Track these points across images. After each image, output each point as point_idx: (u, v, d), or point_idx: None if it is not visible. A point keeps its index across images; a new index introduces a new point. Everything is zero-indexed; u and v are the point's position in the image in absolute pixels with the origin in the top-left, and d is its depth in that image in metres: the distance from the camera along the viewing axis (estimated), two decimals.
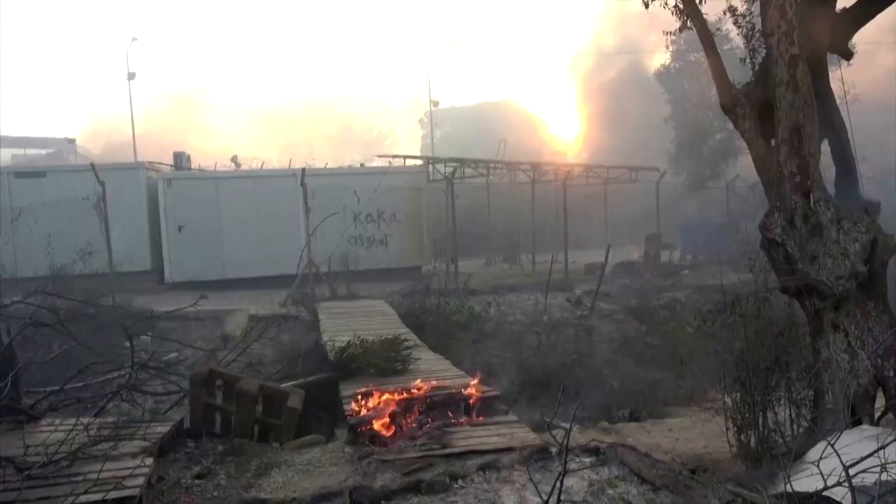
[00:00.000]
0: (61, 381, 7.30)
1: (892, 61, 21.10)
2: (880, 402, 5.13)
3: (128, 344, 8.10)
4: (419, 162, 21.96)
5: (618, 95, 38.65)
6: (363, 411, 6.38)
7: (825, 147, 5.77)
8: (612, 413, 9.29)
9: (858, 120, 7.54)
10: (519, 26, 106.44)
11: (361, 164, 27.81)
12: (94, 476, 4.60)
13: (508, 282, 17.22)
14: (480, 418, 6.44)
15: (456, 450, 5.47)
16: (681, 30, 6.74)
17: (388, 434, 6.05)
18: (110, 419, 6.17)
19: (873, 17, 5.80)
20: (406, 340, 8.83)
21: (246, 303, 14.24)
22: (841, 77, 6.89)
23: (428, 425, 6.17)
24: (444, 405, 6.57)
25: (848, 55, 6.29)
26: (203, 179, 18.79)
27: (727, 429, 5.38)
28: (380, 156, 24.96)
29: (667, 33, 7.33)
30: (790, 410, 5.28)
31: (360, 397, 6.72)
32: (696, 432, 6.70)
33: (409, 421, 6.27)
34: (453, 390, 6.84)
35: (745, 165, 18.51)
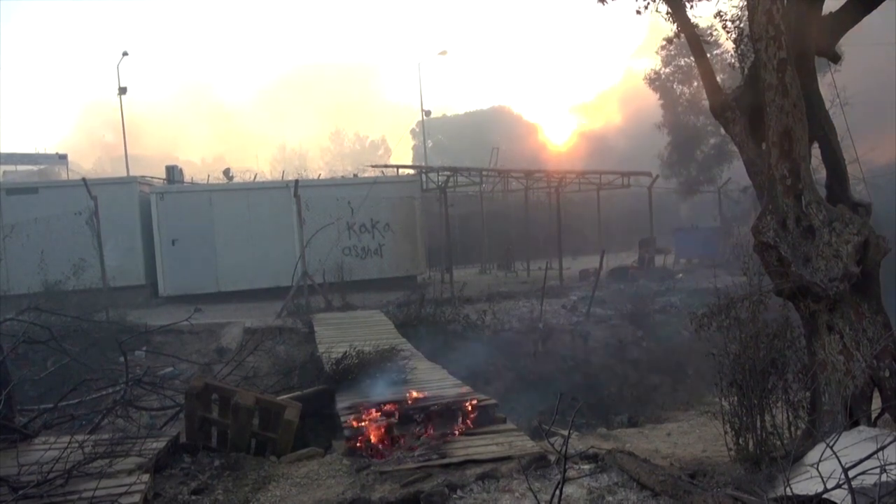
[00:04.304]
0: (55, 398, 7.25)
1: (884, 62, 21.26)
2: (877, 403, 5.14)
3: (122, 359, 8.04)
4: (412, 171, 22.00)
5: (612, 103, 38.89)
6: (360, 423, 6.34)
7: (815, 150, 5.81)
8: (610, 419, 9.29)
9: (849, 121, 7.60)
10: (511, 35, 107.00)
11: (354, 175, 27.82)
12: (90, 494, 4.56)
13: (503, 289, 17.23)
14: (478, 427, 6.42)
15: (454, 460, 5.44)
16: (677, 36, 6.78)
17: (386, 445, 6.02)
18: (105, 436, 6.11)
19: (859, 20, 5.85)
20: (402, 350, 8.80)
21: (241, 315, 14.19)
22: (833, 80, 6.95)
23: (426, 435, 6.14)
24: (442, 415, 6.55)
25: (835, 58, 6.34)
26: (196, 193, 18.76)
27: (725, 432, 5.38)
28: (372, 166, 25.03)
29: (665, 40, 7.41)
30: (787, 413, 5.29)
31: (357, 408, 6.69)
32: (694, 436, 6.70)
33: (406, 432, 6.24)
34: (450, 400, 6.82)
35: (737, 169, 18.61)
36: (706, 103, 7.03)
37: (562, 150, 46.16)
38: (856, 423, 4.81)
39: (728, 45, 7.11)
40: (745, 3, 5.47)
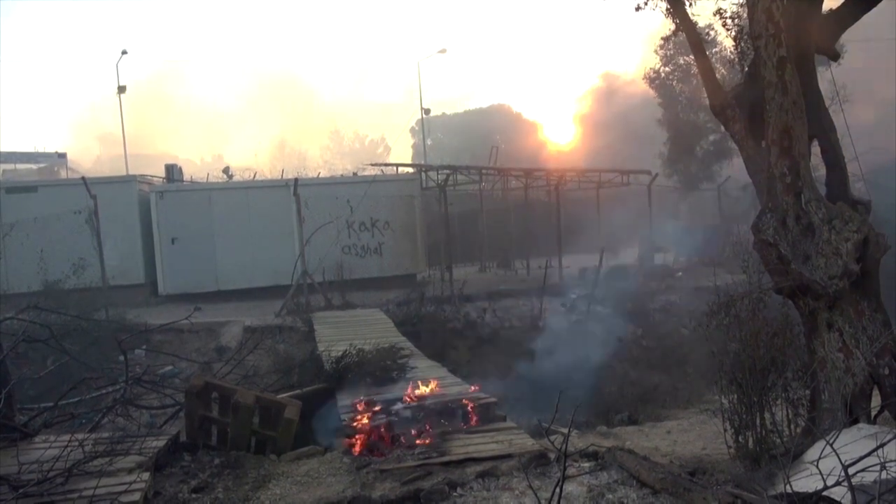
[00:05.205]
0: (55, 397, 7.25)
1: (885, 59, 21.26)
2: (876, 401, 5.14)
3: (122, 358, 8.04)
4: (411, 170, 21.98)
5: (612, 101, 38.82)
6: (360, 421, 6.35)
7: (815, 148, 5.81)
8: (609, 417, 9.29)
9: (849, 119, 7.60)
10: (510, 33, 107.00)
11: (354, 174, 27.81)
12: (90, 492, 4.56)
13: (503, 288, 17.22)
14: (478, 425, 6.42)
15: (454, 458, 5.45)
16: (675, 34, 6.79)
17: (386, 443, 6.02)
18: (105, 434, 6.12)
19: (859, 17, 5.85)
20: (402, 349, 8.80)
21: (240, 314, 14.20)
22: (832, 78, 6.94)
23: (426, 433, 6.15)
24: (442, 413, 6.56)
25: (835, 56, 6.34)
26: (195, 191, 18.74)
27: (725, 430, 5.38)
28: (372, 164, 24.99)
29: (664, 39, 7.43)
30: (787, 410, 5.29)
31: (357, 407, 6.69)
32: (694, 434, 6.70)
33: (406, 430, 6.24)
34: (450, 398, 6.82)
35: (736, 167, 18.57)
36: (706, 101, 7.03)
37: (563, 149, 46.11)
38: (855, 421, 4.82)
39: (726, 42, 7.11)
40: (745, 0, 5.47)
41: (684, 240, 22.74)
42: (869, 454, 3.60)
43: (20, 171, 40.42)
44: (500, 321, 13.62)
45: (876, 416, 5.10)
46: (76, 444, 5.25)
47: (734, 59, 6.38)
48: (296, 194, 15.66)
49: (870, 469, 3.49)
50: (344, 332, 10.83)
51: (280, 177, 23.57)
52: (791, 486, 3.71)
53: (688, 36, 6.11)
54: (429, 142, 45.60)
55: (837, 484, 3.50)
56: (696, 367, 10.74)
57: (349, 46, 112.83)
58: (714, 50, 19.29)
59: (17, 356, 8.89)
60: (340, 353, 8.17)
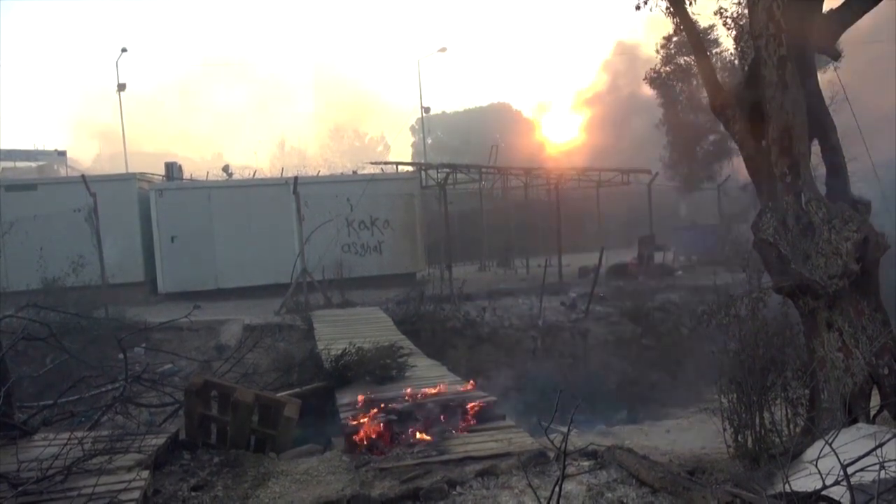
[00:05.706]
0: (54, 395, 7.25)
1: (886, 58, 21.23)
2: (875, 401, 5.14)
3: (121, 356, 8.04)
4: (411, 168, 21.97)
5: (612, 101, 38.81)
6: (360, 419, 6.35)
7: (816, 147, 5.80)
8: (609, 416, 9.31)
9: (849, 119, 7.60)
10: (511, 31, 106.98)
11: (354, 172, 27.78)
12: (89, 490, 4.57)
13: (503, 286, 17.23)
14: (477, 424, 6.42)
15: (453, 456, 5.45)
16: (675, 33, 6.80)
17: (386, 442, 6.03)
18: (105, 432, 6.11)
19: (860, 17, 5.84)
20: (402, 348, 8.81)
21: (240, 312, 14.20)
22: (838, 78, 6.94)
23: (425, 432, 6.15)
24: (441, 412, 6.56)
25: (835, 55, 6.34)
26: (195, 189, 18.73)
27: (724, 429, 5.39)
28: (372, 163, 24.95)
29: (666, 38, 7.43)
30: (786, 410, 5.30)
31: (356, 405, 6.70)
32: (693, 433, 6.71)
33: (405, 428, 6.25)
34: (450, 396, 6.82)
35: (736, 166, 18.57)
36: (706, 101, 7.03)
37: (563, 147, 46.08)
38: (854, 421, 4.82)
39: (727, 43, 7.11)
40: (746, 0, 5.47)
41: (684, 239, 22.81)
42: (868, 454, 3.60)
43: (20, 169, 40.39)
44: (499, 320, 13.61)
45: (875, 416, 5.10)
46: (75, 442, 5.25)
47: (734, 59, 6.39)
48: (295, 192, 15.65)
49: (869, 469, 3.49)
50: (343, 331, 10.83)
51: (280, 175, 23.55)
52: (790, 485, 3.71)
53: (688, 35, 6.10)
54: (429, 140, 45.59)
55: (836, 483, 3.50)
56: (695, 366, 10.74)
57: (349, 45, 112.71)
58: (715, 50, 19.29)
59: (17, 354, 8.90)
60: (340, 352, 8.17)
